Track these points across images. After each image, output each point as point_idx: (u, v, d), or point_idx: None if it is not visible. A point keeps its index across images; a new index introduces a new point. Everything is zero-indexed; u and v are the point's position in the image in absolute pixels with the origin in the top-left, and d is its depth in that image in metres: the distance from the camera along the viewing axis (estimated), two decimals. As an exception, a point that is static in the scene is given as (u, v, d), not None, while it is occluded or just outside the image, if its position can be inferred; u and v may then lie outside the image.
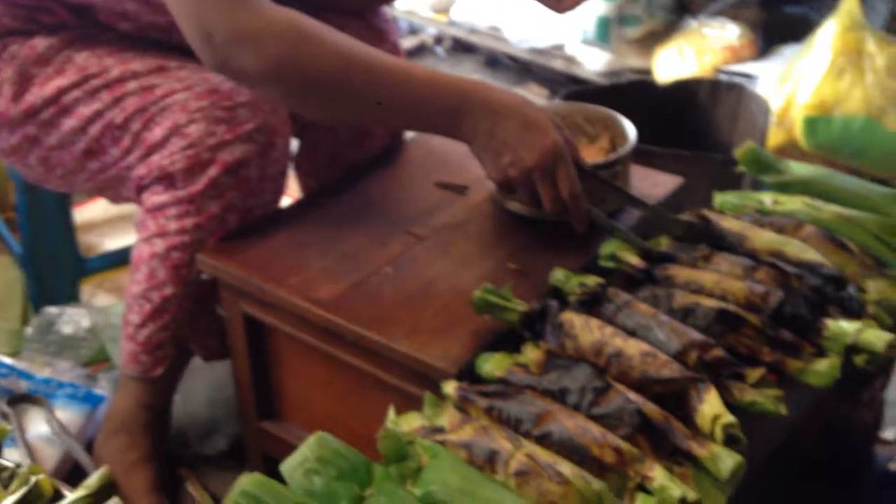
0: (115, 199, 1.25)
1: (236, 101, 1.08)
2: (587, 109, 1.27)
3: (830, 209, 1.07)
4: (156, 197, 1.11)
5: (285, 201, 1.23)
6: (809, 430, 1.07)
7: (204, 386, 1.33)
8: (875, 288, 0.99)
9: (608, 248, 1.05)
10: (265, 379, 1.15)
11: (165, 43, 1.16)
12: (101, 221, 1.84)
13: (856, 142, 2.02)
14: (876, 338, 0.87)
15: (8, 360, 1.36)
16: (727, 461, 0.79)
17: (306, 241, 1.11)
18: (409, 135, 1.41)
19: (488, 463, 0.78)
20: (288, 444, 1.08)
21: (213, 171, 1.07)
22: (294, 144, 1.34)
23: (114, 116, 1.11)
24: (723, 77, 2.34)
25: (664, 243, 1.07)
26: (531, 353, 0.91)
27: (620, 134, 1.21)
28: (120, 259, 1.54)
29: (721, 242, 1.04)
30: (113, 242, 1.76)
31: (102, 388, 1.34)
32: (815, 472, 1.15)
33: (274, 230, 1.13)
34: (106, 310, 1.50)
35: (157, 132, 1.09)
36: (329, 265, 1.06)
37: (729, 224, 1.05)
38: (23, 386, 1.31)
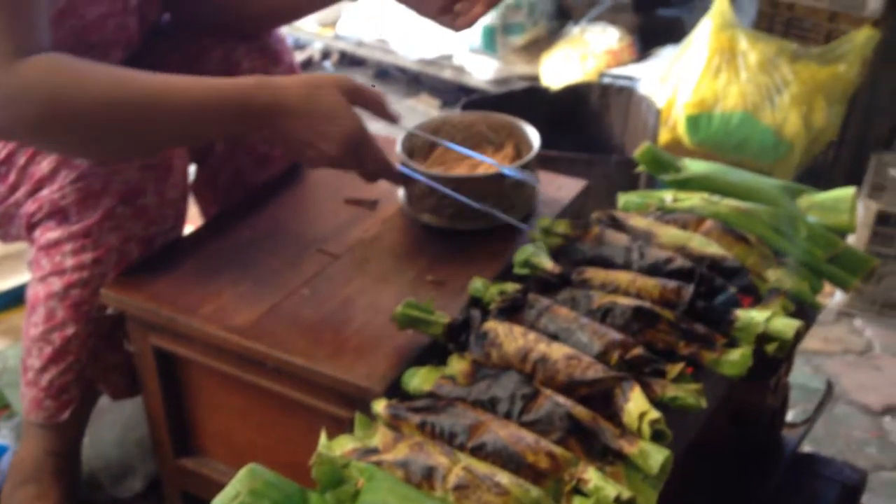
0: (4, 237, 1.19)
1: None
2: (490, 118, 1.29)
3: (727, 203, 1.12)
4: (49, 233, 1.06)
5: (187, 229, 1.19)
6: (718, 417, 1.12)
7: (113, 426, 1.28)
8: (775, 276, 1.04)
9: (522, 254, 1.06)
10: (180, 414, 1.11)
11: None
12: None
13: (735, 137, 2.12)
14: (785, 325, 0.91)
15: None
16: (656, 456, 0.81)
17: (216, 268, 1.08)
18: None
19: (426, 480, 0.78)
20: (208, 481, 1.05)
21: (107, 202, 1.03)
22: (192, 171, 1.31)
23: None
24: (607, 80, 2.42)
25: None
26: (457, 365, 0.91)
27: (524, 141, 1.24)
28: (11, 299, 1.46)
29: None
30: (5, 282, 1.67)
31: (4, 437, 1.26)
32: (725, 459, 1.20)
33: (181, 258, 1.10)
34: (2, 353, 1.42)
35: (43, 165, 1.04)
36: (243, 291, 1.04)
37: (636, 222, 1.08)
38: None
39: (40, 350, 1.10)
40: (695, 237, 1.06)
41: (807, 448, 1.46)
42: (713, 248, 1.04)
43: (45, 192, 1.04)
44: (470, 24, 1.17)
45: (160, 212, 1.08)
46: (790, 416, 1.39)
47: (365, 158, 1.03)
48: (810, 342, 1.93)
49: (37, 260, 1.08)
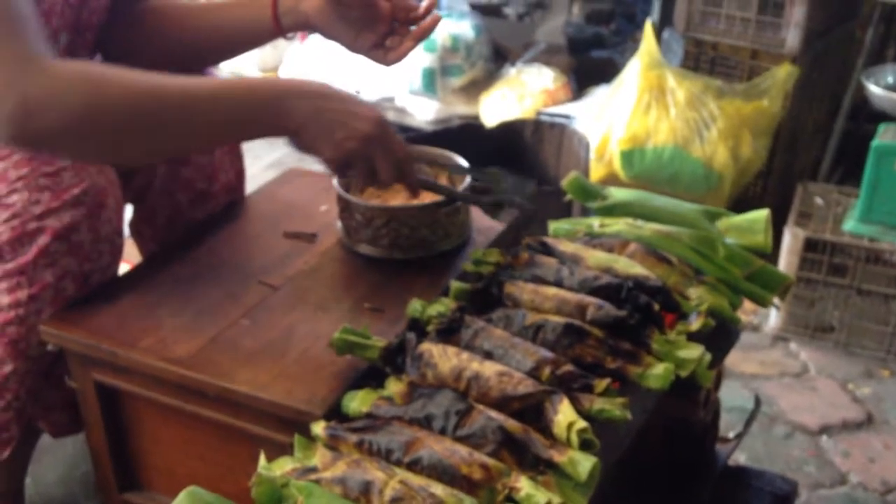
0: None
1: (58, 165, 1.05)
2: (423, 151, 1.33)
3: (650, 227, 1.18)
4: None
5: (124, 267, 1.20)
6: (652, 432, 1.16)
7: (56, 465, 1.27)
8: (696, 294, 1.09)
9: (476, 254, 1.11)
10: (124, 449, 1.11)
11: None
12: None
13: (667, 170, 2.21)
14: (689, 354, 0.97)
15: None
16: (584, 464, 0.85)
17: (156, 302, 1.09)
18: (250, 190, 1.43)
19: (363, 495, 0.80)
20: (153, 513, 1.06)
21: (42, 240, 1.04)
22: (129, 210, 1.32)
23: None
24: (543, 118, 2.49)
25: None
26: (394, 387, 0.94)
27: (458, 172, 1.28)
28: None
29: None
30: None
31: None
32: (660, 473, 1.24)
33: (120, 294, 1.11)
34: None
35: None
36: (183, 323, 1.06)
37: (565, 247, 1.13)
38: None
39: None
40: (620, 259, 1.11)
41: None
42: (637, 269, 1.09)
43: None
44: (400, 58, 1.22)
45: (95, 248, 1.09)
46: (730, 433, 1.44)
47: (392, 145, 1.04)
48: (747, 366, 1.99)
49: None
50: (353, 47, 1.22)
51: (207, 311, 1.08)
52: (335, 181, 1.23)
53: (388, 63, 1.22)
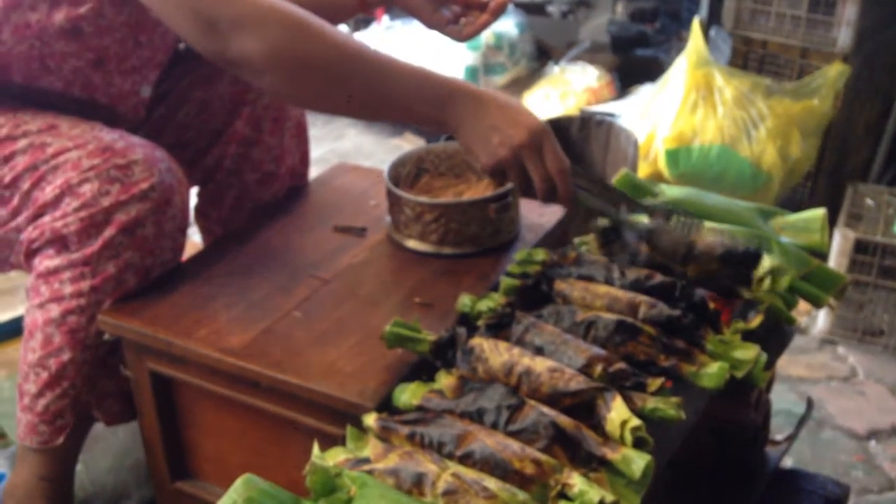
0: (1, 266, 1.21)
1: (130, 158, 1.08)
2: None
3: (703, 224, 1.16)
4: (48, 261, 1.08)
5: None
6: (704, 432, 1.15)
7: (107, 453, 1.29)
8: (749, 294, 1.08)
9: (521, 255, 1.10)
10: (176, 437, 1.13)
11: (60, 104, 1.15)
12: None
13: (713, 169, 2.18)
14: (745, 353, 0.95)
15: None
16: (638, 462, 0.84)
17: (211, 294, 1.11)
18: (310, 177, 1.44)
19: (416, 486, 0.80)
20: (205, 503, 1.07)
21: (108, 232, 1.06)
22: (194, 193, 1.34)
23: (2, 175, 1.09)
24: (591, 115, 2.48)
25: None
26: (445, 380, 0.94)
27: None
28: (6, 332, 1.48)
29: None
30: (3, 314, 1.69)
31: (0, 465, 1.27)
32: (711, 474, 1.22)
33: (176, 285, 1.13)
34: (-1, 384, 1.44)
35: (48, 191, 1.07)
36: (237, 315, 1.07)
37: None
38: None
39: (37, 375, 1.12)
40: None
41: (793, 469, 1.48)
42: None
43: (46, 219, 1.07)
44: (475, 33, 1.25)
45: (158, 243, 1.11)
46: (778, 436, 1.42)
47: (546, 153, 1.05)
48: (795, 369, 1.96)
49: (35, 287, 1.10)
50: (431, 22, 1.25)
51: (260, 303, 1.09)
52: (385, 176, 1.23)
53: (462, 39, 1.26)
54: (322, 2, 1.27)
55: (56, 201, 1.07)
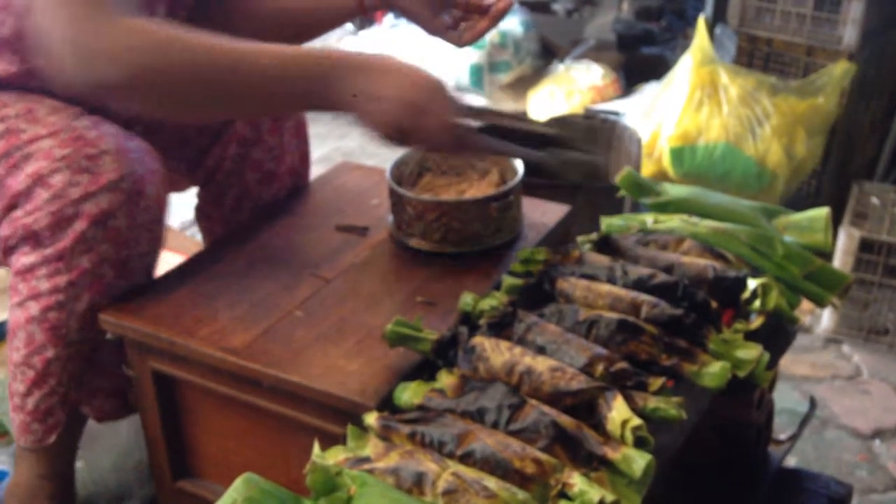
0: None
1: (101, 148, 1.06)
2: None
3: (706, 224, 1.16)
4: (24, 258, 1.07)
5: (177, 258, 1.22)
6: (705, 432, 1.14)
7: (110, 451, 1.29)
8: (755, 286, 1.07)
9: (523, 253, 1.10)
10: (178, 436, 1.13)
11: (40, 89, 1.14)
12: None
13: (718, 167, 2.17)
14: (747, 353, 0.95)
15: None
16: (639, 461, 0.84)
17: (212, 293, 1.11)
18: (313, 177, 1.44)
19: (416, 486, 0.80)
20: (206, 502, 1.07)
21: (79, 226, 1.04)
22: (190, 196, 1.34)
23: None
24: (594, 114, 2.48)
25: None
26: (446, 379, 0.94)
27: (509, 168, 1.28)
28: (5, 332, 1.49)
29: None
30: (3, 313, 1.69)
31: (3, 463, 1.28)
32: (713, 473, 1.22)
33: (177, 284, 1.13)
34: (1, 382, 1.44)
35: (20, 180, 1.05)
36: (239, 314, 1.07)
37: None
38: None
39: (24, 374, 1.12)
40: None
41: (796, 469, 1.48)
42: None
43: (19, 213, 1.06)
44: (475, 39, 1.25)
45: (132, 235, 1.09)
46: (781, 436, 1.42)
47: (445, 108, 1.02)
48: (799, 368, 1.96)
49: (14, 285, 1.10)
50: (430, 27, 1.25)
51: (262, 303, 1.09)
52: (388, 175, 1.23)
53: (462, 44, 1.25)
54: (319, 5, 1.27)
55: (28, 192, 1.05)
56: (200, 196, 1.40)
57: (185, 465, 1.15)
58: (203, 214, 1.41)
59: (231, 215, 1.37)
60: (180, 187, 1.43)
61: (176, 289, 1.12)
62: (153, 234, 1.12)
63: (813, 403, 1.32)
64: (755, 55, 2.34)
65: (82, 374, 1.15)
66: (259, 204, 1.35)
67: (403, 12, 1.27)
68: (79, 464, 1.22)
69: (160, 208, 1.13)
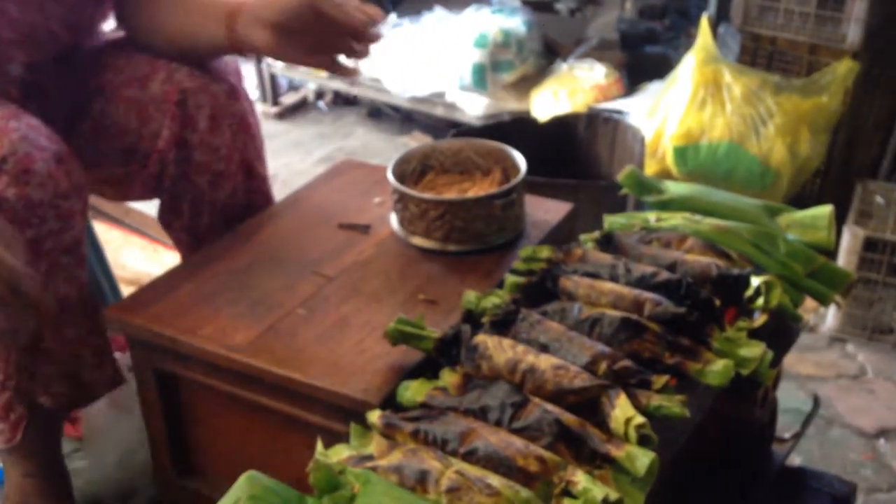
0: None
1: None
2: (477, 144, 1.33)
3: (709, 222, 1.16)
4: None
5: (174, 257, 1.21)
6: (709, 430, 1.14)
7: (114, 449, 1.29)
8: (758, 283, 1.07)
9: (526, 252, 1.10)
10: (181, 434, 1.13)
11: None
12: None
13: (722, 166, 2.17)
14: (751, 351, 0.95)
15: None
16: (643, 459, 0.84)
17: (214, 291, 1.11)
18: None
19: (419, 483, 0.80)
20: (209, 500, 1.07)
21: None
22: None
23: None
24: (598, 112, 2.47)
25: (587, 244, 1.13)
26: (449, 377, 0.94)
27: (512, 165, 1.28)
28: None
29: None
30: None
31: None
32: (716, 472, 1.22)
33: (179, 282, 1.13)
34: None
35: None
36: (240, 312, 1.07)
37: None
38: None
39: None
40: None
41: (801, 468, 1.47)
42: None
43: None
44: (354, 74, 1.35)
45: (33, 213, 1.07)
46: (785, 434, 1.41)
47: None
48: (803, 367, 1.95)
49: None
50: (307, 63, 1.28)
51: (264, 301, 1.09)
52: (390, 173, 1.23)
53: (346, 76, 1.32)
54: (195, 45, 1.28)
55: None
56: (159, 207, 1.36)
57: (187, 462, 1.15)
58: (166, 225, 1.37)
59: (192, 222, 1.33)
60: (133, 195, 1.40)
61: (177, 287, 1.12)
62: (60, 210, 1.09)
63: (817, 402, 1.32)
64: (758, 54, 2.33)
65: (29, 363, 1.13)
66: (217, 207, 1.32)
67: (276, 59, 1.31)
68: (83, 462, 1.22)
69: (59, 185, 1.10)
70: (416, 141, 2.96)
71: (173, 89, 1.26)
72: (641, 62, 2.90)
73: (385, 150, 2.92)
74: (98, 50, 1.34)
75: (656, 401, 0.89)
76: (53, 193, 1.09)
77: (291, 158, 2.85)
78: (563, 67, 2.78)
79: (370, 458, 0.84)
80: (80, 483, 1.28)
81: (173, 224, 1.37)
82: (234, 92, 1.32)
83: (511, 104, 2.77)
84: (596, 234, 1.16)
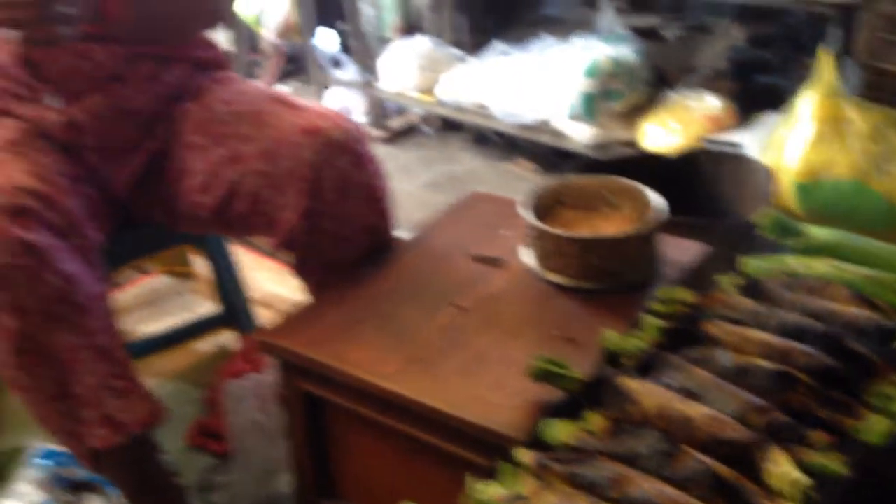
0: None
1: None
2: (609, 181, 1.33)
3: (855, 270, 1.13)
4: None
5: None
6: (864, 490, 1.10)
7: (258, 466, 1.33)
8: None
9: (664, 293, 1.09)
10: (324, 457, 1.16)
11: None
12: (134, 306, 1.85)
13: (846, 204, 2.11)
14: None
15: (65, 450, 1.34)
16: (804, 520, 0.82)
17: (360, 318, 1.14)
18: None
19: (576, 527, 0.80)
20: (348, 523, 1.10)
21: None
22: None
23: None
24: (714, 146, 2.44)
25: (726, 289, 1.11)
26: (596, 421, 0.94)
27: (645, 204, 1.27)
28: (159, 343, 1.57)
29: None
30: (148, 327, 1.79)
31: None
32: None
33: (327, 310, 1.16)
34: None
35: None
36: (385, 339, 1.10)
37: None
38: (79, 474, 1.30)
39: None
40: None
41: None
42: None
43: None
44: None
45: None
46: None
47: None
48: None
49: None
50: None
51: (405, 330, 1.11)
52: (522, 208, 1.24)
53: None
54: None
55: None
56: (295, 259, 1.36)
57: (329, 485, 1.18)
58: (299, 275, 1.37)
59: (323, 277, 1.33)
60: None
61: (325, 313, 1.15)
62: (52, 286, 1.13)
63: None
64: (884, 89, 2.26)
65: (65, 409, 1.17)
66: (346, 264, 1.30)
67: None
68: (226, 477, 1.26)
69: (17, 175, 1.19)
70: (520, 168, 2.97)
71: (304, 165, 1.26)
72: (753, 92, 2.83)
73: (490, 175, 2.94)
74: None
75: (814, 458, 0.87)
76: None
77: (400, 182, 2.89)
78: (672, 96, 2.75)
79: (523, 498, 0.84)
80: (223, 499, 1.32)
81: (308, 279, 1.36)
82: (359, 160, 1.31)
83: (619, 133, 2.75)
84: (737, 277, 1.15)
